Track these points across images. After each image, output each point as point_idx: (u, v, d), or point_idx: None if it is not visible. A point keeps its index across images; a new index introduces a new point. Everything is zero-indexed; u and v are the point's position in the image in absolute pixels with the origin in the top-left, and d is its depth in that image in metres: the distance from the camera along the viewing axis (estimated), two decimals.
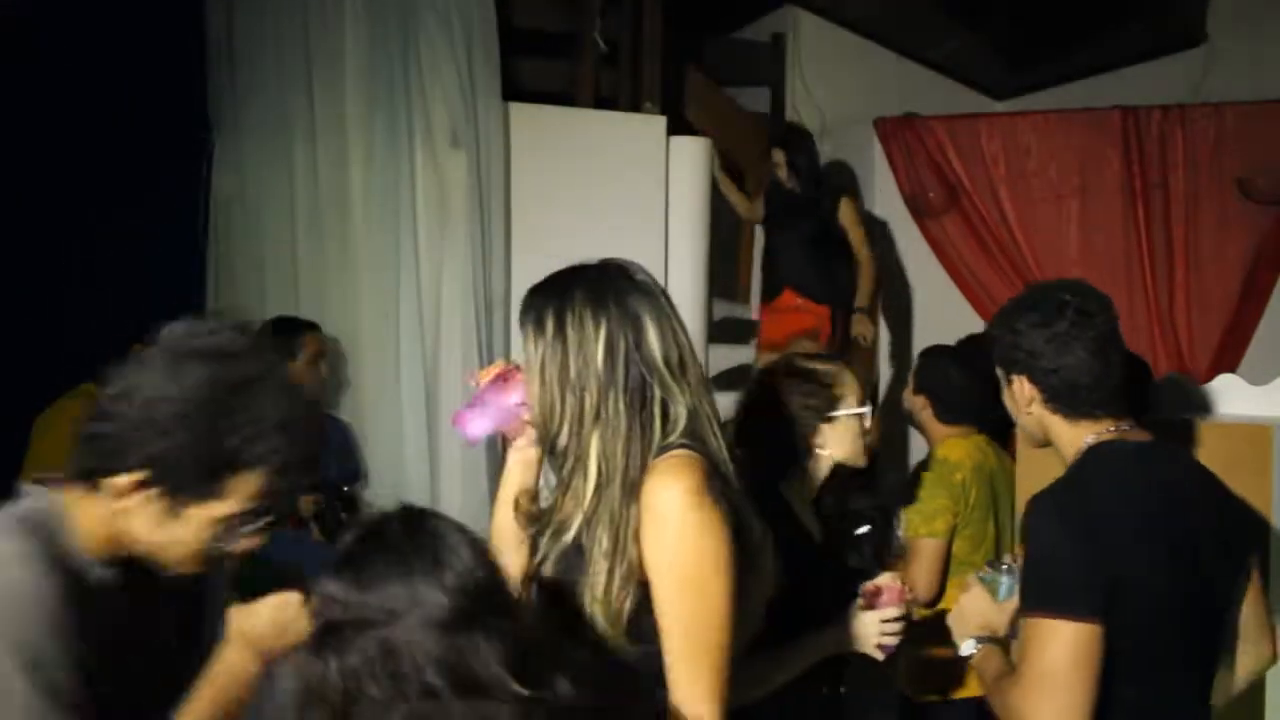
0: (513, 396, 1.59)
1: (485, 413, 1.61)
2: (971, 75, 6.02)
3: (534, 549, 1.58)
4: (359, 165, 3.71)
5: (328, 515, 3.15)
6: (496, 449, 3.82)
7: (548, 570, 1.55)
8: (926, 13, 5.45)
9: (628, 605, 1.45)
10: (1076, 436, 1.81)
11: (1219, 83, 5.18)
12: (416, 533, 1.14)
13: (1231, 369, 4.60)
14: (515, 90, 4.00)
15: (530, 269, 3.91)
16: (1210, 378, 2.97)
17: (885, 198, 5.32)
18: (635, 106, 4.35)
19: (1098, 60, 5.68)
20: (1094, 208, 5.16)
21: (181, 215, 3.68)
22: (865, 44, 5.87)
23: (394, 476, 3.67)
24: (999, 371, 1.91)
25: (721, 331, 4.77)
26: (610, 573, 1.45)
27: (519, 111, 3.96)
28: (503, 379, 1.62)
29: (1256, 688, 2.28)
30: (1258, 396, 2.67)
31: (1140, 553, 1.71)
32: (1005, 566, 1.97)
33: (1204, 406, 2.68)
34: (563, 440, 1.51)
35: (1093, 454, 1.79)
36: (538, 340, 1.52)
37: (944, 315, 4.95)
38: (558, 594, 1.51)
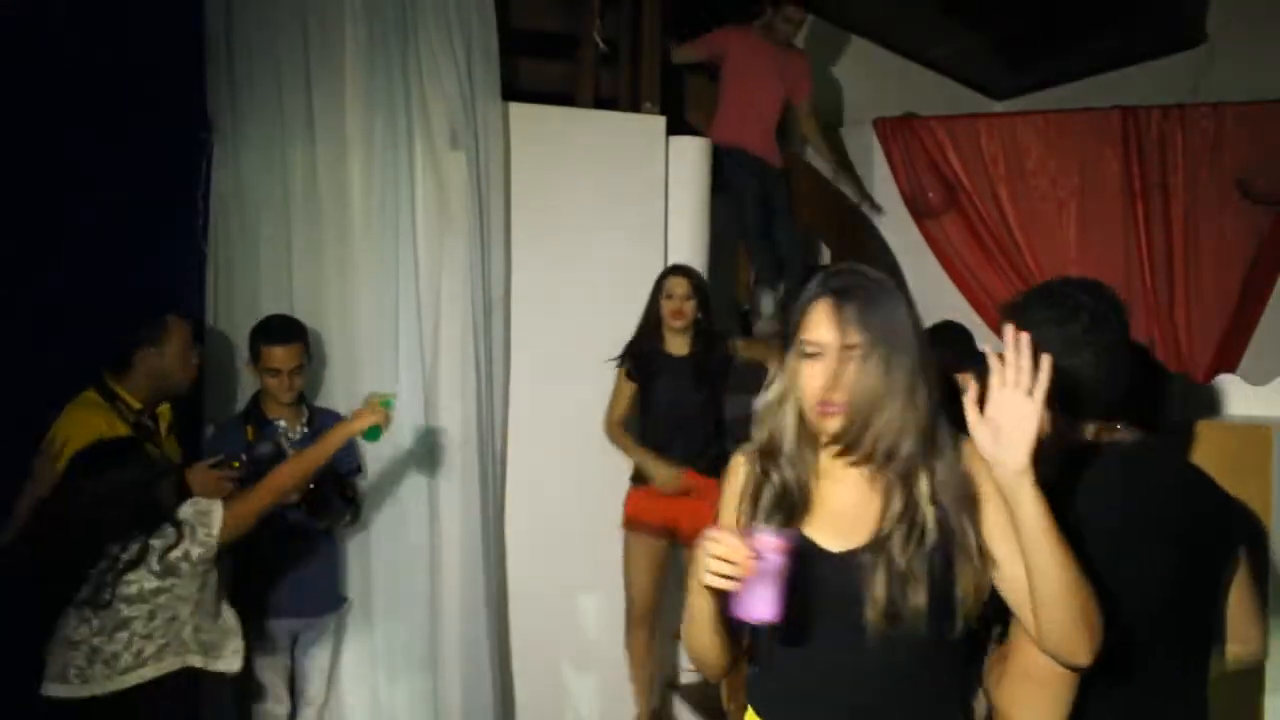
0: (770, 557, 1.53)
1: (769, 589, 1.53)
2: (971, 75, 6.03)
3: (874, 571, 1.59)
4: (359, 165, 3.71)
5: (316, 501, 3.18)
6: (494, 449, 3.83)
7: (884, 586, 1.57)
8: (926, 13, 5.44)
9: (985, 580, 1.59)
10: (1069, 433, 1.81)
11: (1219, 83, 5.18)
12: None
13: (1231, 369, 4.61)
14: (515, 90, 4.00)
15: (530, 269, 3.95)
16: (1210, 378, 2.97)
17: (885, 198, 5.32)
18: (635, 106, 4.35)
19: (1098, 60, 5.68)
20: (1094, 208, 5.16)
21: (181, 215, 3.67)
22: (865, 44, 5.88)
23: (392, 475, 3.67)
24: None
25: None
26: (973, 550, 1.58)
27: (519, 111, 3.97)
28: (756, 553, 1.53)
29: (1257, 686, 2.28)
30: (1258, 396, 2.67)
31: (1129, 551, 1.72)
32: None
33: (1204, 406, 2.68)
34: (890, 450, 1.61)
35: (1083, 453, 1.80)
36: (883, 365, 1.59)
37: (943, 315, 4.93)
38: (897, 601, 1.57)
